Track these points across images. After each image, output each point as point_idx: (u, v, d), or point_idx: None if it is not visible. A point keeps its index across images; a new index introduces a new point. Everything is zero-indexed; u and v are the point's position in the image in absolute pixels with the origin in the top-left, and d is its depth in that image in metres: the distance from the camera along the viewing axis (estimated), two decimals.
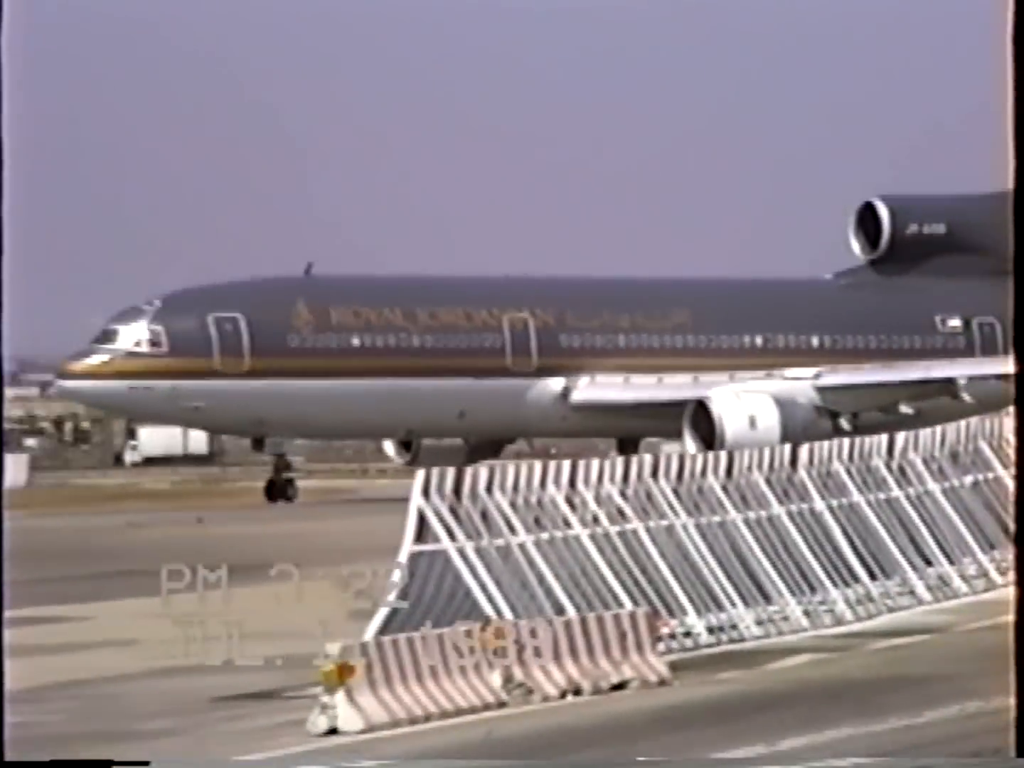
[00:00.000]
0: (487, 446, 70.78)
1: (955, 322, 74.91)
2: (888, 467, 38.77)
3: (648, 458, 34.41)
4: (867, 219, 75.42)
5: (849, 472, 37.47)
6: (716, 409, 66.91)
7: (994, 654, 31.18)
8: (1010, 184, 10.24)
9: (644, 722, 25.01)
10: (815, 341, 72.53)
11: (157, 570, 47.79)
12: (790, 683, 28.42)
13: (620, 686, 27.34)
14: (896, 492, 38.48)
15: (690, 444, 64.44)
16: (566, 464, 32.16)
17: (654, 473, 33.13)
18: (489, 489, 29.89)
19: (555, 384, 68.86)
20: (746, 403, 67.25)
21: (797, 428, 65.59)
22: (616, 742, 23.51)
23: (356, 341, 66.50)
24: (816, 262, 79.18)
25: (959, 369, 70.98)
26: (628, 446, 70.07)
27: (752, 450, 37.05)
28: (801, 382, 68.64)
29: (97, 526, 59.98)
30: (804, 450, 36.99)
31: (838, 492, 36.81)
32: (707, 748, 22.70)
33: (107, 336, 64.67)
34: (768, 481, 35.12)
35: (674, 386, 69.38)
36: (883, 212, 74.98)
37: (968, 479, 41.19)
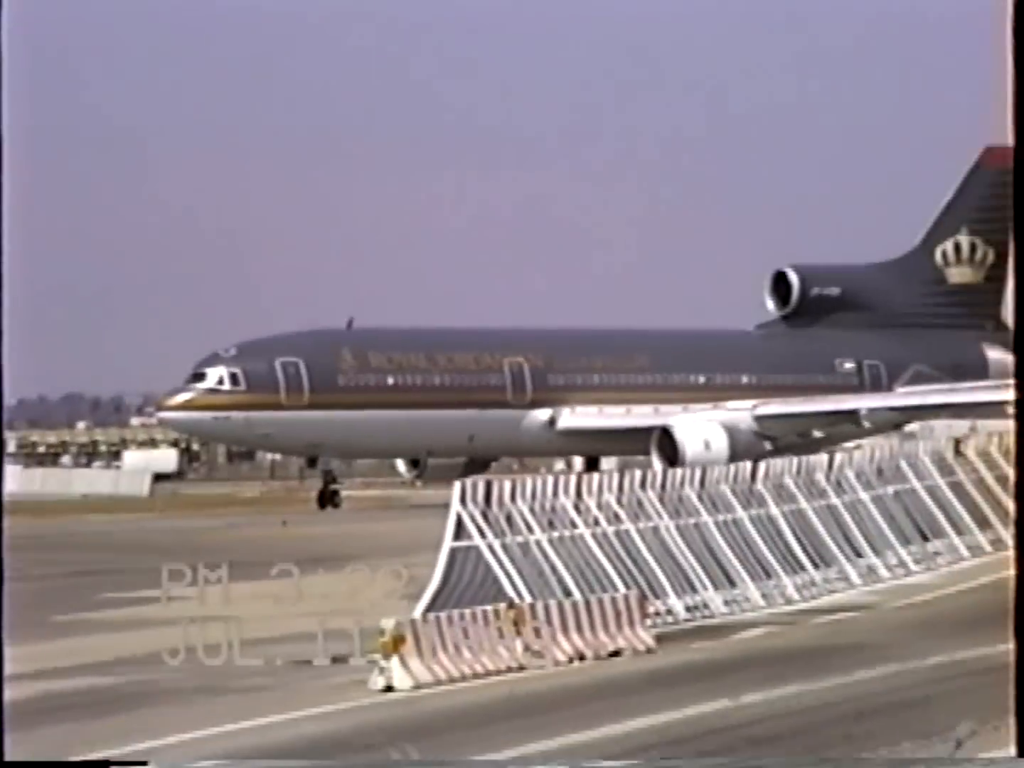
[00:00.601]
0: (479, 463, 71.40)
1: (849, 365, 75.51)
2: (828, 480, 38.69)
3: (638, 473, 34.37)
4: (780, 283, 76.00)
5: (797, 484, 37.39)
6: (678, 434, 67.28)
7: (910, 626, 31.13)
8: (1010, 184, 9.94)
9: (635, 681, 24.93)
10: (744, 379, 73.08)
11: (253, 561, 47.91)
12: (750, 650, 28.34)
13: (616, 653, 27.25)
14: (834, 500, 38.39)
15: (656, 463, 64.26)
16: (573, 478, 32.17)
17: (643, 485, 33.09)
18: (513, 498, 29.85)
19: (544, 414, 69.35)
20: (701, 429, 67.72)
21: (740, 449, 66.14)
22: (613, 696, 23.45)
23: (390, 380, 67.11)
24: (742, 317, 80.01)
25: (861, 402, 71.89)
26: (593, 464, 70.66)
27: (721, 466, 37.10)
28: (742, 412, 69.13)
29: (205, 527, 59.94)
30: (761, 466, 36.93)
31: (789, 500, 36.73)
32: (684, 702, 22.61)
33: (196, 377, 65.20)
34: (733, 491, 35.04)
35: (639, 415, 69.82)
36: (793, 278, 75.73)
37: (891, 489, 41.09)
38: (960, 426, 65.28)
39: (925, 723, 19.55)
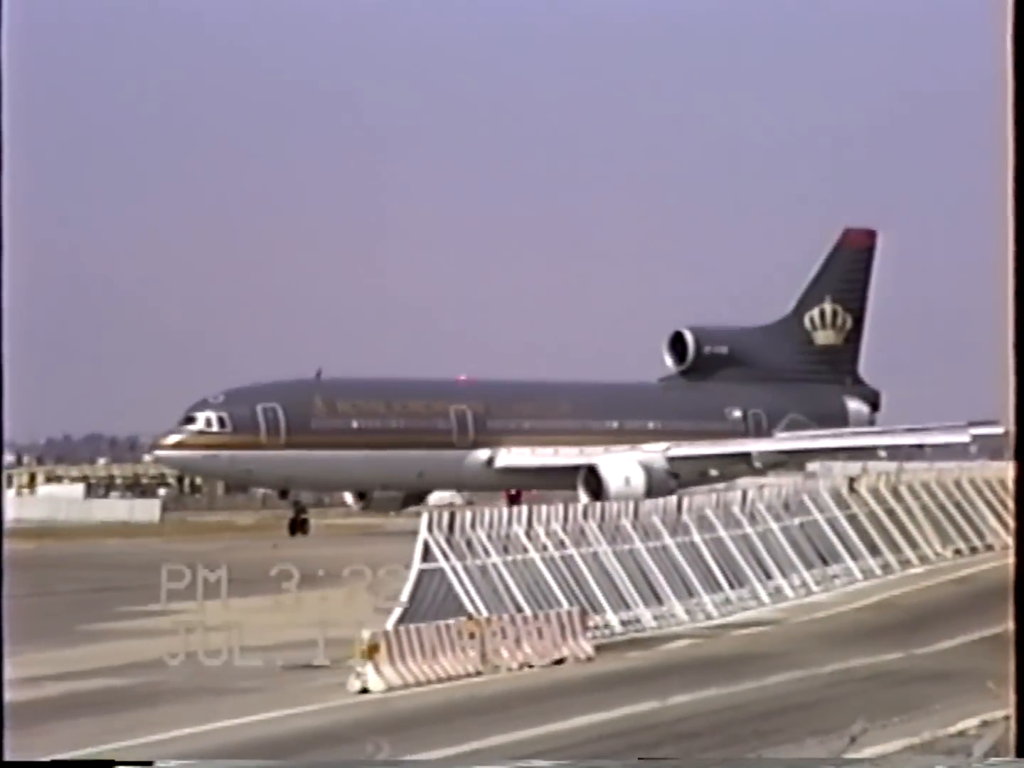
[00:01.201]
0: (416, 496, 71.46)
1: (737, 413, 76.13)
2: (743, 512, 38.76)
3: (580, 506, 34.42)
4: (677, 342, 76.63)
5: (717, 515, 37.45)
6: (603, 472, 67.50)
7: (812, 638, 31.17)
8: (1010, 184, 9.86)
9: (578, 685, 24.87)
10: (651, 425, 73.46)
11: (249, 578, 47.62)
12: (676, 659, 28.30)
13: (560, 661, 27.23)
14: (748, 529, 38.42)
15: (583, 496, 64.25)
16: (525, 509, 32.17)
17: (585, 516, 33.13)
18: (473, 526, 29.84)
19: (484, 454, 69.52)
20: (622, 468, 68.02)
21: (655, 485, 66.68)
22: (558, 698, 23.41)
23: (355, 424, 67.17)
24: (644, 371, 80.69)
25: (754, 446, 72.50)
26: (515, 499, 70.77)
27: (652, 500, 37.12)
28: (655, 453, 69.52)
29: (207, 549, 59.62)
30: (686, 500, 36.99)
31: (709, 529, 36.74)
32: (620, 703, 22.58)
33: (188, 420, 65.01)
34: (663, 521, 35.08)
35: (566, 456, 69.90)
36: (689, 338, 76.34)
37: (796, 520, 41.20)
38: (854, 467, 65.58)
39: (825, 721, 19.60)
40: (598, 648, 28.26)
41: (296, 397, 66.39)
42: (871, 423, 78.27)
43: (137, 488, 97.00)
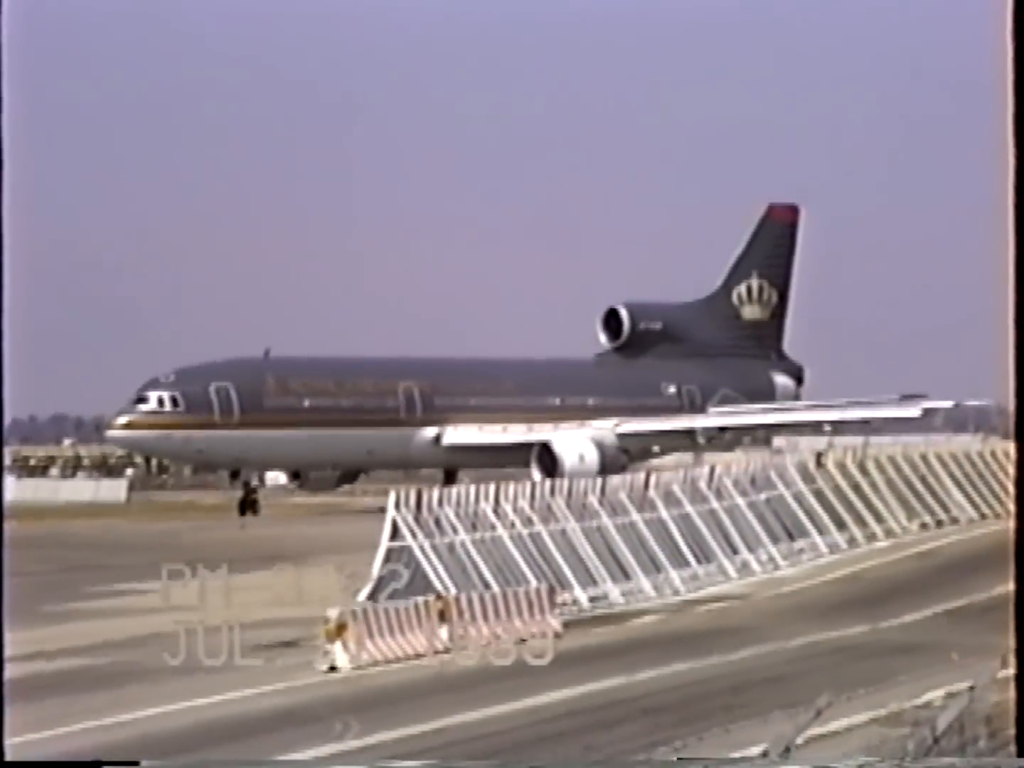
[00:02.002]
0: (350, 474, 70.92)
1: (672, 389, 76.22)
2: (709, 488, 38.88)
3: (548, 483, 34.47)
4: (611, 318, 76.39)
5: (683, 491, 37.54)
6: (557, 449, 67.05)
7: (779, 613, 31.31)
8: (1010, 184, 9.81)
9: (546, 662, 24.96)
10: (590, 401, 73.21)
11: (216, 559, 47.49)
12: (644, 634, 28.38)
13: (528, 638, 27.28)
14: (715, 505, 38.54)
15: (536, 474, 63.60)
16: (492, 487, 32.18)
17: (552, 493, 33.18)
18: (440, 504, 29.87)
19: (431, 432, 69.10)
20: (576, 445, 67.64)
21: (607, 462, 66.52)
22: (527, 675, 23.46)
23: (306, 403, 66.58)
24: (576, 348, 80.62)
25: (699, 421, 72.60)
26: (451, 476, 69.72)
27: (620, 477, 37.16)
28: (605, 430, 69.20)
29: (173, 529, 59.55)
30: (653, 477, 37.07)
31: (676, 505, 36.85)
32: (588, 678, 22.64)
33: (139, 399, 64.02)
34: (630, 498, 35.15)
35: (515, 433, 69.39)
36: (624, 314, 76.13)
37: (763, 495, 41.35)
38: (820, 442, 65.83)
39: (791, 695, 19.69)
40: (566, 624, 28.31)
41: (248, 376, 65.69)
42: (796, 398, 78.68)
43: (104, 468, 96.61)
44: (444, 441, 69.02)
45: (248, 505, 65.82)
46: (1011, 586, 10.87)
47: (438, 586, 27.96)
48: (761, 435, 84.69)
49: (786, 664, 23.96)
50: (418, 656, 24.94)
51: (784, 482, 42.81)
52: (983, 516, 49.44)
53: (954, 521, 49.03)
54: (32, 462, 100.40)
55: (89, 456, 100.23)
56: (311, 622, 25.58)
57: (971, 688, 12.96)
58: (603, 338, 76.38)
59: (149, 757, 18.05)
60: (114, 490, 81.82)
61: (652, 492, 36.01)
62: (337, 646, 24.01)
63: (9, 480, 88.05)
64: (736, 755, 15.23)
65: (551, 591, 28.67)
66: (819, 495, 44.12)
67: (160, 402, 63.92)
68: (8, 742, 18.65)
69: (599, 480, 35.29)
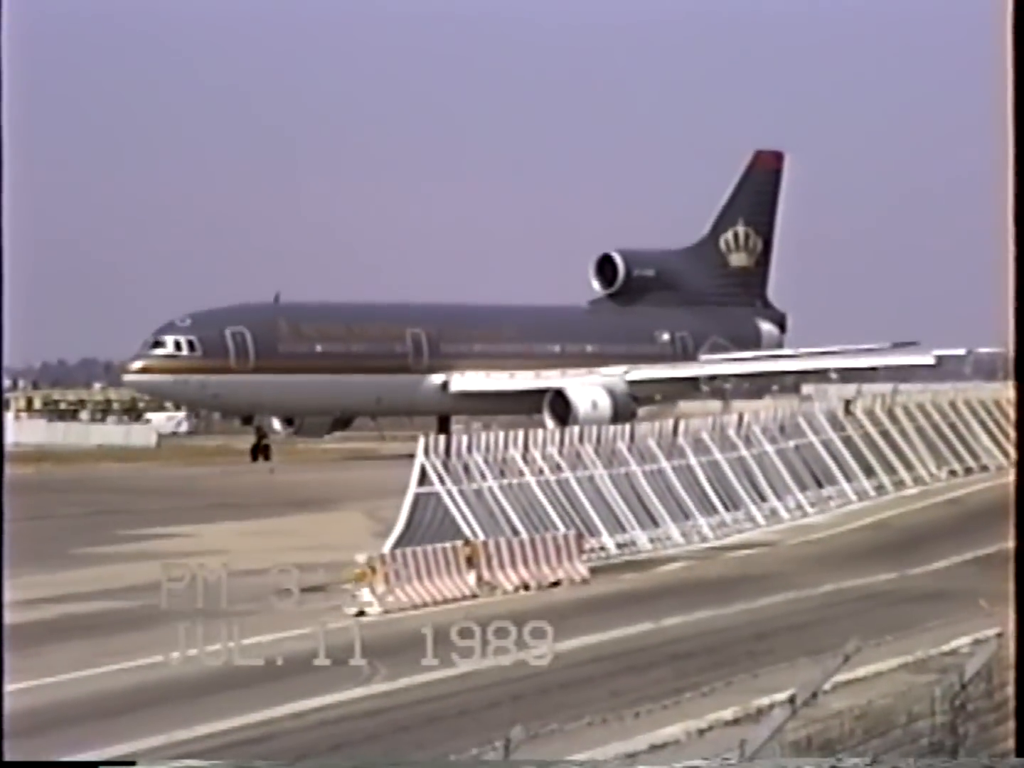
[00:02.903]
0: (341, 422, 70.32)
1: (665, 336, 75.94)
2: (738, 435, 38.85)
3: (576, 429, 34.50)
4: (605, 265, 75.77)
5: (713, 439, 37.53)
6: (571, 396, 66.79)
7: (806, 560, 31.31)
8: (1010, 183, 9.74)
9: (573, 607, 24.98)
10: (588, 348, 72.96)
11: (245, 503, 47.74)
12: (671, 581, 28.44)
13: (556, 584, 27.35)
14: (744, 452, 38.55)
15: (548, 422, 63.02)
16: (521, 433, 32.21)
17: (581, 440, 33.19)
18: (469, 450, 29.91)
19: (438, 378, 68.70)
20: (589, 392, 67.32)
21: (619, 409, 66.31)
22: (554, 620, 23.46)
23: (318, 348, 66.32)
24: (566, 293, 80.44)
25: (708, 369, 72.32)
26: (445, 423, 69.69)
27: (648, 423, 37.16)
28: (615, 377, 68.80)
29: (205, 473, 59.84)
30: (682, 424, 37.05)
31: (705, 452, 36.85)
32: (615, 623, 22.70)
33: (155, 343, 63.87)
34: (658, 445, 35.16)
35: (524, 379, 69.08)
36: (619, 260, 75.61)
37: (791, 443, 41.30)
38: (849, 389, 65.71)
39: (818, 641, 19.69)
40: (593, 571, 28.36)
41: (261, 321, 65.42)
42: (780, 345, 78.47)
43: (133, 412, 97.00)
44: (452, 388, 68.69)
45: (260, 450, 65.67)
46: (1011, 586, 10.82)
47: (466, 532, 28.03)
48: (790, 383, 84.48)
49: (814, 611, 23.96)
50: (446, 601, 25.01)
51: (813, 429, 42.73)
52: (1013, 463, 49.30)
53: (983, 468, 48.91)
54: (62, 406, 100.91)
55: (119, 400, 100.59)
56: (340, 566, 25.66)
57: (999, 635, 12.92)
58: (596, 284, 75.93)
59: (176, 698, 18.18)
60: (144, 435, 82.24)
61: (681, 439, 36.01)
62: (365, 591, 24.09)
63: (40, 423, 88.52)
64: (764, 701, 15.23)
65: (579, 537, 28.73)
66: (848, 442, 44.05)
67: (177, 346, 63.75)
68: (39, 682, 18.80)
69: (628, 427, 35.28)
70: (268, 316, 66.12)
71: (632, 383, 69.32)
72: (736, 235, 78.80)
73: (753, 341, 77.68)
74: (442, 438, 29.95)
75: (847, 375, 72.48)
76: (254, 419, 66.44)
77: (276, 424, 69.23)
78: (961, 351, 69.72)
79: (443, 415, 71.25)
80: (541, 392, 67.70)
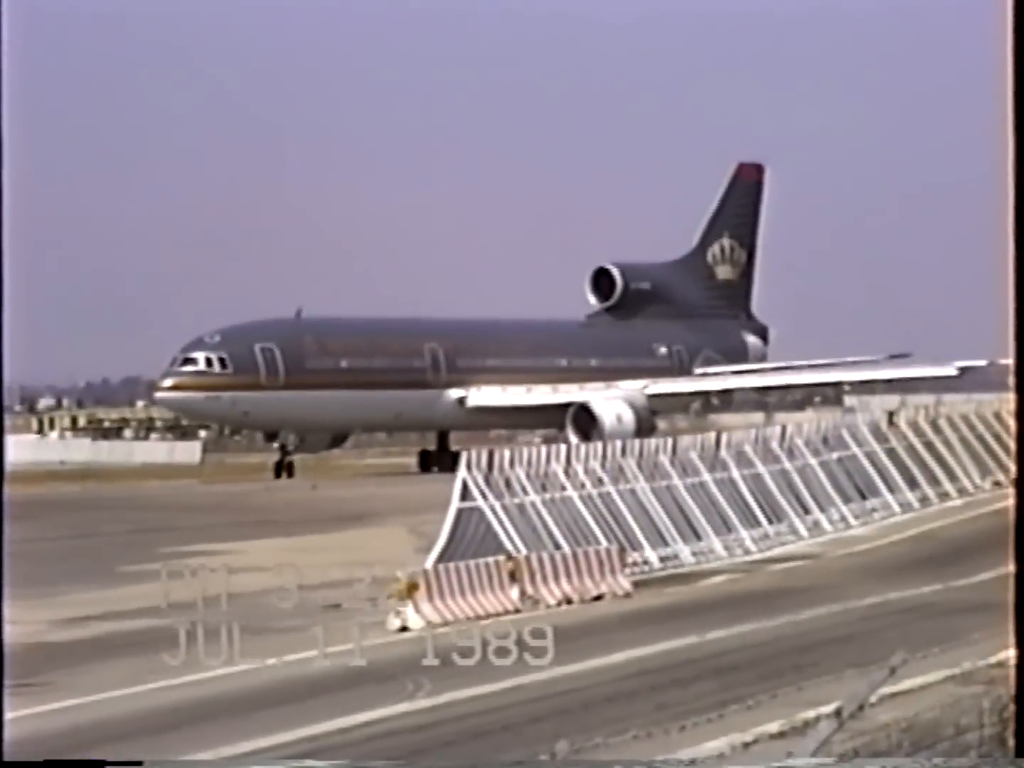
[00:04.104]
0: (340, 438, 69.74)
1: (663, 349, 75.80)
2: (781, 447, 38.73)
3: (619, 443, 34.46)
4: (601, 278, 75.45)
5: (755, 451, 37.43)
6: (596, 410, 66.48)
7: (850, 572, 31.18)
8: (1010, 193, 9.73)
9: (616, 621, 24.98)
10: (593, 362, 72.68)
11: (288, 520, 47.88)
12: (714, 594, 28.38)
13: (599, 598, 27.32)
14: (787, 464, 38.43)
15: (572, 436, 62.64)
16: (563, 448, 32.21)
17: (623, 453, 33.15)
18: (512, 465, 29.90)
19: (456, 393, 68.37)
20: (613, 406, 67.05)
21: (642, 423, 66.15)
22: (598, 634, 23.49)
23: (343, 363, 65.92)
24: (556, 307, 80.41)
25: (717, 383, 72.26)
26: (444, 438, 69.64)
27: (691, 436, 37.06)
28: (634, 391, 68.57)
29: (245, 490, 60.03)
30: (724, 436, 36.98)
31: (748, 465, 36.76)
32: (659, 638, 22.65)
33: (186, 360, 63.32)
34: (701, 458, 35.09)
35: (540, 394, 68.72)
36: (616, 274, 75.35)
37: (835, 455, 41.15)
38: (892, 400, 65.44)
39: (863, 654, 19.62)
40: (636, 584, 28.32)
41: (288, 336, 64.99)
42: (764, 358, 78.23)
43: (177, 430, 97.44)
44: (469, 403, 68.26)
45: (284, 467, 65.20)
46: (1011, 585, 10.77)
47: (508, 547, 28.02)
48: (831, 394, 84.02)
49: (858, 623, 23.86)
50: (488, 616, 25.01)
51: (856, 441, 42.57)
52: None
53: None
54: (106, 424, 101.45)
55: (161, 418, 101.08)
56: (384, 582, 25.69)
57: None
58: (592, 298, 75.62)
59: (223, 716, 18.24)
60: (188, 452, 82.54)
61: (723, 452, 35.93)
62: (408, 606, 24.11)
63: (84, 442, 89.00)
64: (810, 714, 15.17)
65: (621, 551, 28.69)
66: (891, 454, 43.86)
67: (208, 363, 63.18)
68: (90, 698, 18.90)
69: (670, 440, 35.22)
70: (294, 332, 65.76)
71: (651, 397, 69.12)
72: (722, 248, 79.00)
73: (741, 354, 77.66)
74: (484, 453, 29.95)
75: (854, 386, 72.39)
76: (279, 436, 65.69)
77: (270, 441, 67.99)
78: (983, 362, 69.52)
79: (467, 430, 71.12)
80: (559, 407, 67.38)
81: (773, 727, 15.43)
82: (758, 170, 79.23)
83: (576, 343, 73.69)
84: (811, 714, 14.93)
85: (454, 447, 68.39)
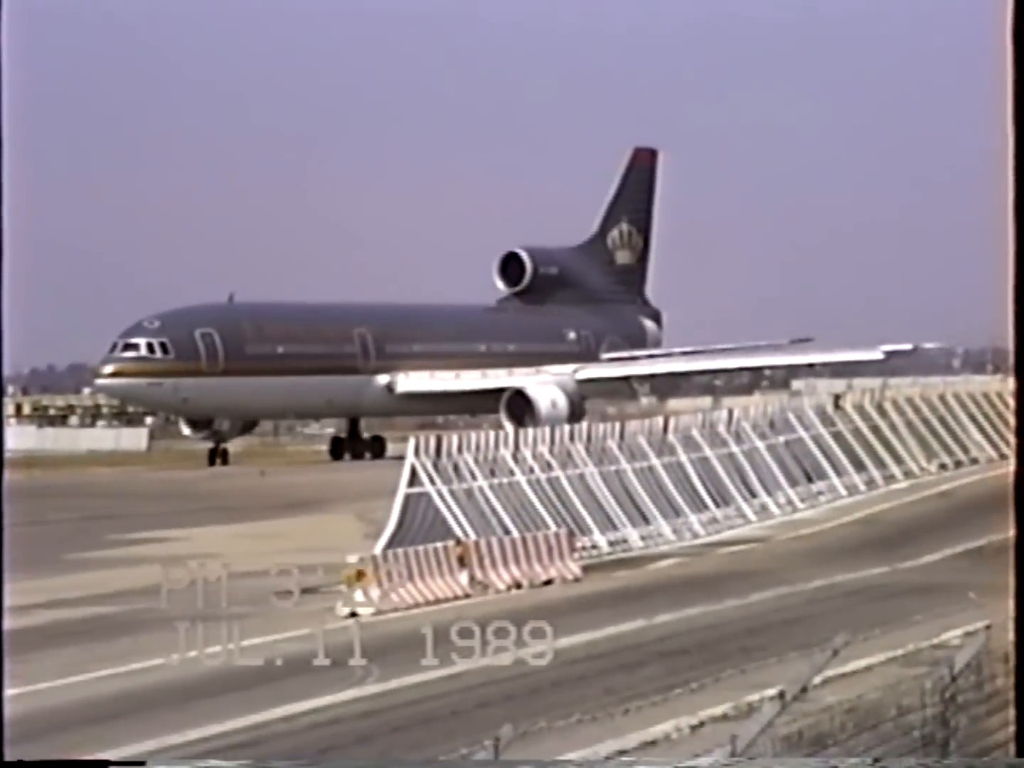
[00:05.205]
0: (249, 424, 68.99)
1: (573, 335, 75.84)
2: (728, 431, 38.90)
3: (567, 428, 34.54)
4: (510, 263, 75.20)
5: (702, 435, 37.58)
6: (532, 395, 66.07)
7: (797, 555, 31.36)
8: (1010, 182, 9.76)
9: (565, 606, 25.01)
10: (510, 347, 72.44)
11: (235, 506, 47.73)
12: (663, 578, 28.49)
13: (548, 582, 27.39)
14: (734, 448, 38.59)
15: (506, 423, 61.90)
16: (511, 433, 32.27)
17: (571, 438, 33.23)
18: (460, 450, 29.92)
19: (383, 379, 67.88)
20: (548, 391, 66.78)
21: (575, 408, 66.07)
22: (547, 618, 23.49)
23: (280, 349, 65.15)
24: (456, 292, 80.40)
25: (652, 368, 72.92)
26: (355, 425, 69.16)
27: (638, 421, 37.18)
28: (564, 376, 68.33)
29: (195, 477, 59.83)
30: (672, 421, 37.10)
31: (695, 449, 36.90)
32: (607, 622, 22.71)
33: (127, 346, 62.19)
34: (648, 442, 35.21)
35: (469, 380, 68.30)
36: (526, 258, 75.14)
37: (782, 439, 41.37)
38: (838, 384, 65.87)
39: (807, 636, 19.74)
40: (585, 569, 28.39)
41: (227, 322, 64.24)
42: (659, 343, 78.61)
43: (123, 417, 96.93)
44: (398, 389, 67.75)
45: (218, 454, 64.56)
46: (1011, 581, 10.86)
47: (457, 532, 28.05)
48: (780, 377, 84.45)
49: (804, 606, 24.01)
50: (438, 601, 25.03)
51: (803, 425, 42.81)
52: (1003, 456, 49.44)
53: (973, 461, 49.00)
54: (52, 411, 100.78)
55: (108, 405, 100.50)
56: (332, 568, 25.67)
57: (988, 627, 12.97)
58: (500, 283, 75.35)
59: (167, 703, 18.19)
60: (135, 439, 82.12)
61: (671, 436, 36.06)
62: (357, 592, 24.11)
63: (30, 429, 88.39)
64: (755, 697, 15.28)
65: (570, 535, 28.77)
66: (838, 437, 44.13)
67: (150, 348, 62.15)
68: (31, 688, 18.81)
69: (617, 424, 35.33)
70: (232, 317, 64.95)
71: (580, 382, 69.01)
72: (621, 233, 79.20)
73: (640, 339, 77.88)
74: (432, 439, 29.96)
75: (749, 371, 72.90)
76: (214, 422, 64.65)
77: (186, 429, 67.10)
78: (908, 346, 70.16)
79: (390, 416, 70.71)
80: (490, 392, 66.86)
81: (718, 710, 15.53)
82: (652, 155, 79.40)
83: (491, 328, 73.43)
84: (755, 697, 15.03)
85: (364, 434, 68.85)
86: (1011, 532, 10.88)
